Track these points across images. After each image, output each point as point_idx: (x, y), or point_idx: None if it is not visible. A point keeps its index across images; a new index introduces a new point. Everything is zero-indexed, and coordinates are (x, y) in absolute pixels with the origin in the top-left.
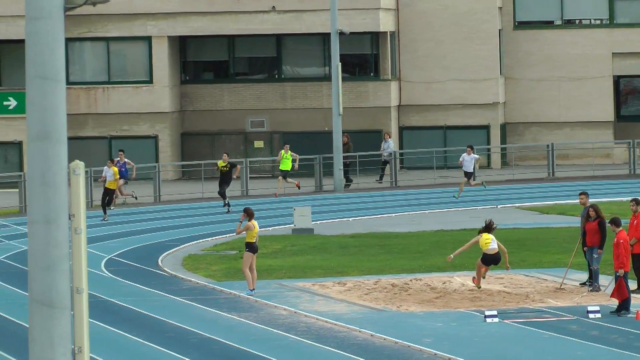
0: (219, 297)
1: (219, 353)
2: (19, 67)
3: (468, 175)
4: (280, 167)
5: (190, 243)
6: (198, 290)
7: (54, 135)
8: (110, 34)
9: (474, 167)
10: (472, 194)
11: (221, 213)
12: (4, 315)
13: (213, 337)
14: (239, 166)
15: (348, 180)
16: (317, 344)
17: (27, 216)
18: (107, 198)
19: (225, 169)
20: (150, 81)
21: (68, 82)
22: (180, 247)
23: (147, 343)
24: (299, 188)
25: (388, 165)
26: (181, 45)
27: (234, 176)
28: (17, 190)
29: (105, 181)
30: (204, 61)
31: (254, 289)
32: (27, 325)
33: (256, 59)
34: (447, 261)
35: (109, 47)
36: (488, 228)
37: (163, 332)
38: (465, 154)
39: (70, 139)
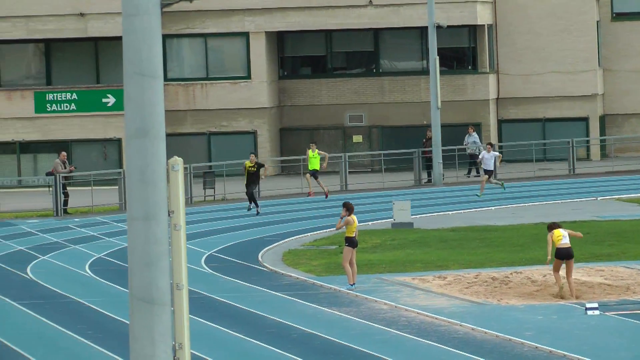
0: (319, 292)
1: (320, 348)
2: (117, 64)
3: (488, 172)
4: (309, 167)
5: (290, 238)
6: (298, 285)
7: (153, 131)
8: (207, 30)
9: (495, 164)
10: (570, 187)
11: (322, 208)
12: (105, 312)
13: (314, 332)
14: (266, 166)
15: (428, 175)
16: (418, 338)
17: (127, 213)
18: None
19: (252, 169)
20: (249, 77)
21: (166, 79)
22: (280, 242)
23: (248, 339)
24: (326, 197)
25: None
26: (279, 40)
27: (262, 176)
28: (117, 187)
29: None
30: (301, 56)
31: (354, 284)
32: (128, 322)
33: (354, 54)
34: (547, 263)
35: (207, 43)
36: (557, 225)
37: (264, 327)
38: (485, 151)
39: (169, 135)
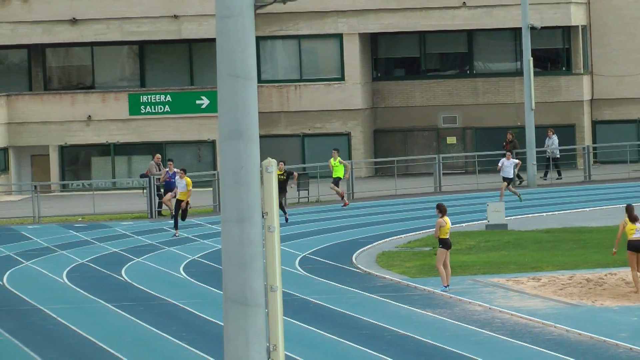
0: (413, 294)
1: (414, 350)
2: (210, 66)
3: (507, 180)
4: (332, 175)
5: (384, 240)
6: (392, 287)
7: (246, 133)
8: (301, 32)
9: (514, 172)
10: None
11: (414, 210)
12: (199, 314)
13: (408, 333)
14: (296, 174)
15: (519, 177)
16: (512, 340)
17: (221, 215)
18: (182, 211)
19: (282, 177)
20: (342, 78)
21: (260, 81)
22: (374, 244)
23: (342, 340)
24: (345, 204)
25: (555, 160)
26: (372, 42)
27: (291, 185)
28: (211, 189)
29: (173, 187)
30: (395, 58)
31: (448, 285)
32: (222, 324)
33: (447, 55)
34: (613, 256)
35: (300, 44)
36: (632, 212)
37: (357, 329)
38: (504, 158)
39: (262, 137)
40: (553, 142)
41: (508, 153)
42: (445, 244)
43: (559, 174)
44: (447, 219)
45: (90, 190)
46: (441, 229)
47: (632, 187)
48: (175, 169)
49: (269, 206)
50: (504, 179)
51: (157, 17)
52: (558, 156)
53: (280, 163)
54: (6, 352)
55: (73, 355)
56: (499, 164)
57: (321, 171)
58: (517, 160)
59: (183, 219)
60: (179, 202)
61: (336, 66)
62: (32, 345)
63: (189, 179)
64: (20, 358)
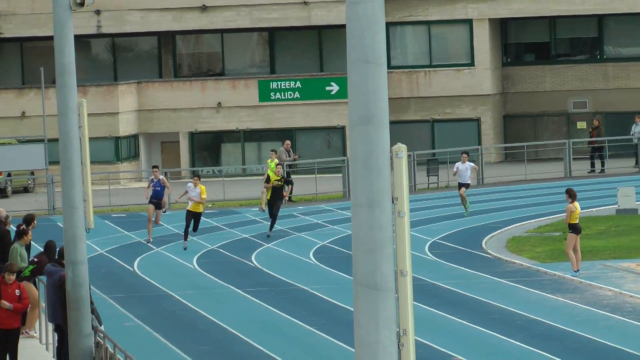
0: (543, 279)
1: (544, 334)
2: (340, 52)
3: (465, 185)
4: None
5: (514, 225)
6: (522, 272)
7: (376, 119)
8: (431, 18)
9: (470, 176)
10: None
11: (544, 195)
12: (329, 299)
13: (538, 318)
14: (291, 186)
15: (602, 165)
16: None
17: (351, 200)
18: (194, 223)
19: (279, 183)
20: (472, 64)
21: (390, 66)
22: (504, 229)
23: (472, 325)
24: (261, 210)
25: None
26: (502, 27)
27: (285, 198)
28: (341, 175)
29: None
30: (525, 43)
31: (578, 270)
32: (352, 309)
33: (577, 40)
34: None
35: (430, 30)
36: None
37: (487, 314)
38: (459, 162)
39: (392, 122)
40: None
41: (464, 155)
42: (575, 229)
43: (637, 162)
44: (577, 204)
45: (220, 176)
46: (571, 214)
47: None
48: (161, 177)
49: (399, 191)
50: (460, 184)
51: (287, 4)
52: None
53: (279, 167)
54: (137, 337)
55: (203, 340)
56: (454, 168)
57: (451, 157)
58: (472, 164)
59: (195, 229)
60: (189, 212)
61: (466, 52)
62: (162, 330)
63: (203, 187)
64: (150, 343)
